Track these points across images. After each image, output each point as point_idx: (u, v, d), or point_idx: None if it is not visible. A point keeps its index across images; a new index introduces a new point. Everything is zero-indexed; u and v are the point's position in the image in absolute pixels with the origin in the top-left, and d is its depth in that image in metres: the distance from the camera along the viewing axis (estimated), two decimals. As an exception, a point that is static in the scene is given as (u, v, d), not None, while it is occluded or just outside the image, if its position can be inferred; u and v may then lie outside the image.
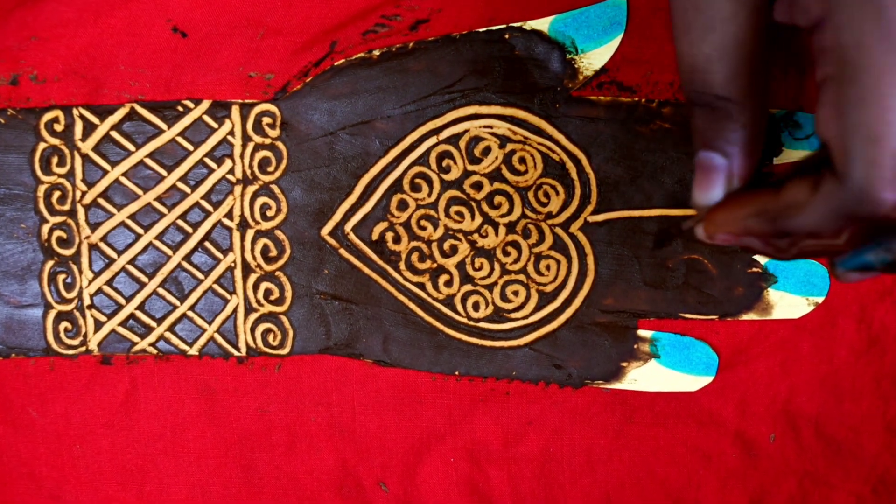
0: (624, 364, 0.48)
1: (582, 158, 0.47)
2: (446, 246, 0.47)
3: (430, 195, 0.47)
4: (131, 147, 0.47)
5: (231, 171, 0.47)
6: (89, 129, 0.47)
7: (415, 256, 0.47)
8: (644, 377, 0.48)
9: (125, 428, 0.49)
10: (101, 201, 0.47)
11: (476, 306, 0.47)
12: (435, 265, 0.47)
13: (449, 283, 0.47)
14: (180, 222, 0.47)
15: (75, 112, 0.47)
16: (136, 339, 0.48)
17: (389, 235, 0.47)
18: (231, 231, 0.47)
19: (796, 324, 0.47)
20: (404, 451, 0.49)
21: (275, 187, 0.47)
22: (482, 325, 0.48)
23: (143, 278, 0.48)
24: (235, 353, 0.48)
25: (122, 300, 0.48)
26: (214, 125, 0.47)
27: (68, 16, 0.46)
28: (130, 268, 0.48)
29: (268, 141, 0.47)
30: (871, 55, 0.29)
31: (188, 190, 0.47)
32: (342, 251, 0.47)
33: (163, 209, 0.47)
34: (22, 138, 0.47)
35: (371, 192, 0.47)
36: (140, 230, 0.47)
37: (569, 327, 0.47)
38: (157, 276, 0.48)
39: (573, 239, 0.47)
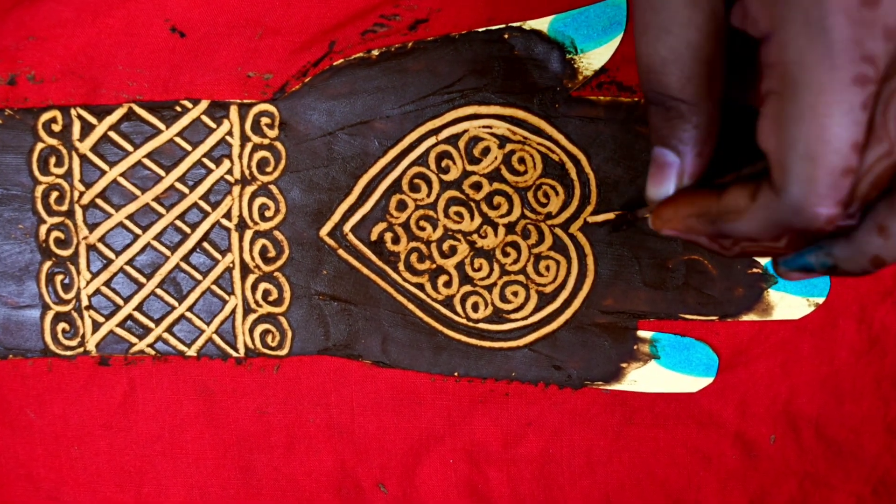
0: (624, 365, 0.47)
1: (581, 158, 0.47)
2: (445, 246, 0.47)
3: (429, 195, 0.47)
4: (129, 147, 0.47)
5: (229, 172, 0.47)
6: (87, 129, 0.47)
7: (414, 257, 0.47)
8: (644, 378, 0.47)
9: (123, 429, 0.48)
10: (99, 202, 0.47)
11: (475, 307, 0.47)
12: (434, 266, 0.47)
13: (448, 284, 0.47)
14: (178, 223, 0.47)
15: (73, 112, 0.47)
16: (134, 339, 0.48)
17: (388, 236, 0.47)
18: (229, 231, 0.47)
19: (797, 325, 0.47)
20: (403, 452, 0.49)
21: (273, 188, 0.47)
22: (481, 325, 0.47)
23: (142, 279, 0.48)
24: (234, 353, 0.48)
25: (120, 301, 0.48)
26: (213, 125, 0.47)
27: (66, 15, 0.46)
28: (128, 268, 0.47)
29: (266, 141, 0.47)
30: (813, 74, 0.29)
31: (186, 190, 0.47)
32: (341, 252, 0.47)
33: (161, 210, 0.47)
34: (20, 139, 0.47)
35: (370, 193, 0.47)
36: (138, 231, 0.47)
37: (568, 328, 0.47)
38: (156, 276, 0.48)
39: (573, 239, 0.47)
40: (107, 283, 0.47)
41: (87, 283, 0.47)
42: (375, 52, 0.46)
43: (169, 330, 0.48)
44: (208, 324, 0.48)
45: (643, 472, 0.49)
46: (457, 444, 0.48)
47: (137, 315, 0.48)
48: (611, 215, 0.47)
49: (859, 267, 0.33)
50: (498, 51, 0.46)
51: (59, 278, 0.47)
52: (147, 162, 0.47)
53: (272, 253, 0.47)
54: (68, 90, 0.47)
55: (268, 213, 0.47)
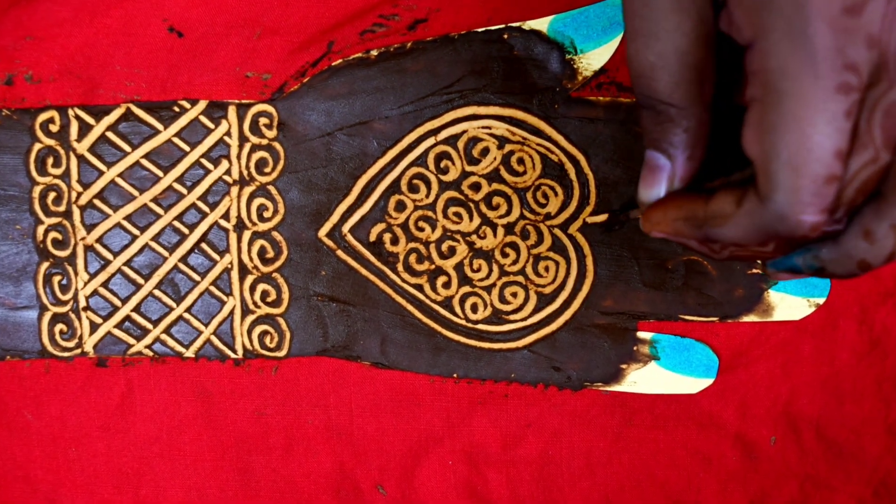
0: (623, 366, 0.47)
1: (581, 159, 0.47)
2: (444, 247, 0.47)
3: (428, 196, 0.47)
4: (127, 148, 0.47)
5: (228, 172, 0.47)
6: (85, 129, 0.47)
7: (413, 258, 0.47)
8: (644, 379, 0.47)
9: (121, 431, 0.48)
10: (97, 202, 0.47)
11: (474, 308, 0.47)
12: (433, 266, 0.47)
13: (447, 285, 0.47)
14: (176, 223, 0.47)
15: (71, 112, 0.47)
16: (131, 341, 0.48)
17: (387, 237, 0.47)
18: (228, 232, 0.47)
19: (797, 325, 0.47)
20: (402, 453, 0.49)
21: (272, 188, 0.47)
22: (480, 326, 0.47)
23: (139, 280, 0.47)
24: (232, 355, 0.48)
25: (117, 302, 0.47)
26: (211, 126, 0.47)
27: (64, 15, 0.46)
28: (126, 269, 0.47)
29: (265, 142, 0.47)
30: (795, 82, 0.29)
31: (184, 191, 0.47)
32: (339, 252, 0.47)
33: (159, 210, 0.47)
34: (17, 139, 0.47)
35: (369, 193, 0.47)
36: (136, 231, 0.47)
37: (568, 329, 0.47)
38: (153, 277, 0.47)
39: (572, 240, 0.47)
40: (104, 284, 0.47)
41: (85, 283, 0.47)
42: (374, 53, 0.46)
43: (167, 331, 0.48)
44: (206, 325, 0.48)
45: (643, 473, 0.49)
46: (456, 445, 0.48)
47: (135, 316, 0.48)
48: (607, 216, 0.47)
49: (846, 270, 0.34)
50: (497, 51, 0.46)
51: (56, 279, 0.47)
52: (145, 162, 0.47)
53: (271, 254, 0.47)
54: (66, 90, 0.47)
55: (266, 214, 0.47)
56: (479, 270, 0.47)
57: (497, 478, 0.49)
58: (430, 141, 0.47)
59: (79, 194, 0.47)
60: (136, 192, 0.47)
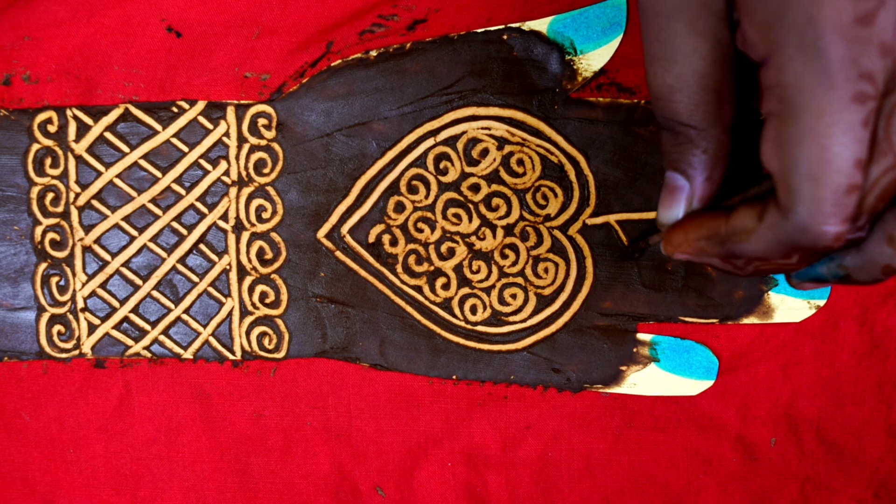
0: (623, 368, 0.47)
1: (581, 160, 0.46)
2: (443, 248, 0.47)
3: (427, 197, 0.47)
4: (125, 148, 0.47)
5: (226, 173, 0.47)
6: (83, 130, 0.47)
7: (412, 259, 0.47)
8: (644, 381, 0.47)
9: (119, 432, 0.48)
10: (95, 203, 0.47)
11: (474, 309, 0.47)
12: (432, 268, 0.47)
13: (446, 286, 0.47)
14: (175, 224, 0.47)
15: (69, 113, 0.46)
16: (130, 342, 0.48)
17: (386, 238, 0.47)
18: (226, 233, 0.47)
19: (797, 327, 0.47)
20: (401, 455, 0.48)
21: (270, 189, 0.47)
22: (480, 328, 0.47)
23: (138, 281, 0.47)
24: (230, 356, 0.48)
25: (115, 303, 0.47)
26: (209, 126, 0.47)
27: (62, 15, 0.46)
28: (124, 270, 0.47)
29: (263, 142, 0.47)
30: (811, 96, 0.29)
31: (183, 192, 0.47)
32: (338, 254, 0.47)
33: (157, 211, 0.47)
34: (15, 139, 0.47)
35: (368, 194, 0.47)
36: (134, 232, 0.47)
37: (567, 331, 0.47)
38: (152, 278, 0.47)
39: (571, 241, 0.47)
40: (102, 285, 0.47)
41: (83, 284, 0.47)
42: (373, 53, 0.46)
43: (165, 332, 0.48)
44: (205, 326, 0.48)
45: (643, 475, 0.48)
46: (455, 447, 0.48)
47: (133, 317, 0.47)
48: (609, 218, 0.47)
49: (871, 276, 0.34)
50: (497, 52, 0.46)
51: (54, 280, 0.47)
52: (143, 163, 0.47)
53: (269, 255, 0.47)
54: (64, 90, 0.47)
55: (265, 215, 0.47)
56: (478, 272, 0.47)
57: (496, 480, 0.49)
58: (430, 142, 0.47)
59: (77, 195, 0.47)
60: (134, 193, 0.47)
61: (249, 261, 0.47)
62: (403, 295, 0.47)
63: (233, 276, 0.47)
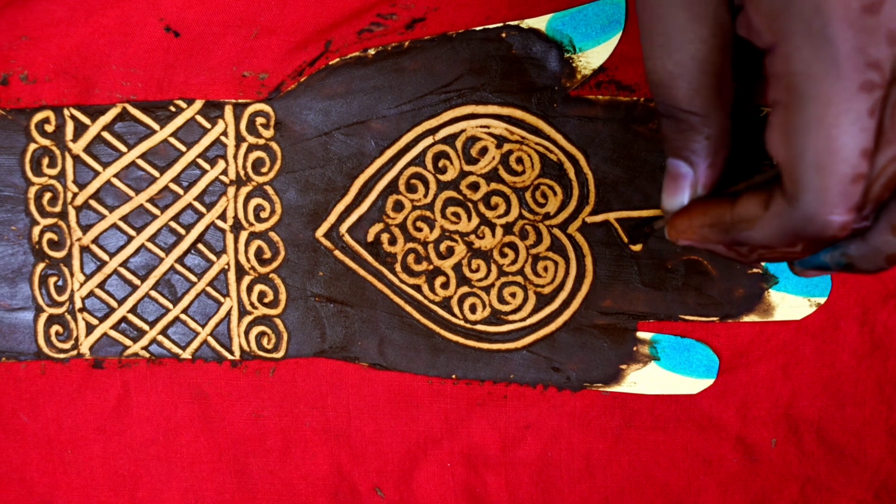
0: (623, 367, 0.47)
1: (580, 158, 0.46)
2: (443, 247, 0.47)
3: (426, 196, 0.47)
4: (123, 148, 0.47)
5: (224, 172, 0.47)
6: (80, 129, 0.46)
7: (411, 258, 0.47)
8: (644, 380, 0.47)
9: (117, 433, 0.48)
10: (93, 203, 0.47)
11: (473, 308, 0.47)
12: (431, 267, 0.47)
13: (445, 285, 0.47)
14: (173, 224, 0.47)
15: (66, 112, 0.46)
16: (128, 342, 0.47)
17: (385, 237, 0.47)
18: (224, 233, 0.47)
19: (798, 326, 0.47)
20: (400, 455, 0.48)
21: (269, 188, 0.47)
22: (479, 327, 0.47)
23: (136, 281, 0.47)
24: (229, 356, 0.48)
25: (114, 303, 0.47)
26: (207, 125, 0.47)
27: (59, 15, 0.46)
28: (122, 270, 0.47)
29: (261, 141, 0.47)
30: (818, 84, 0.30)
31: (181, 191, 0.47)
32: (337, 253, 0.47)
33: (155, 211, 0.47)
34: (12, 139, 0.47)
35: (366, 193, 0.47)
36: (132, 232, 0.47)
37: (567, 329, 0.47)
38: (150, 278, 0.47)
39: (571, 240, 0.47)
40: (100, 286, 0.47)
41: (81, 285, 0.47)
42: (372, 52, 0.46)
43: (163, 332, 0.47)
44: (203, 326, 0.47)
45: (643, 475, 0.48)
46: (454, 447, 0.48)
47: (131, 317, 0.47)
48: (609, 216, 0.47)
49: (875, 265, 0.34)
50: (495, 50, 0.46)
51: (52, 280, 0.47)
52: (141, 163, 0.47)
53: (268, 254, 0.47)
54: (61, 90, 0.47)
55: (263, 214, 0.47)
56: (477, 271, 0.47)
57: (496, 480, 0.48)
58: (428, 140, 0.46)
59: (74, 195, 0.47)
60: (132, 193, 0.47)
61: (248, 260, 0.47)
62: (402, 294, 0.47)
63: (231, 275, 0.47)
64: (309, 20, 0.46)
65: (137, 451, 0.48)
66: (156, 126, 0.47)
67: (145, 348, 0.48)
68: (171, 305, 0.47)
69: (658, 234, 0.44)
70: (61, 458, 0.48)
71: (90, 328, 0.47)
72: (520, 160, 0.46)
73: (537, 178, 0.47)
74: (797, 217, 0.32)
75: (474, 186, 0.47)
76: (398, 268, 0.47)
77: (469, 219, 0.47)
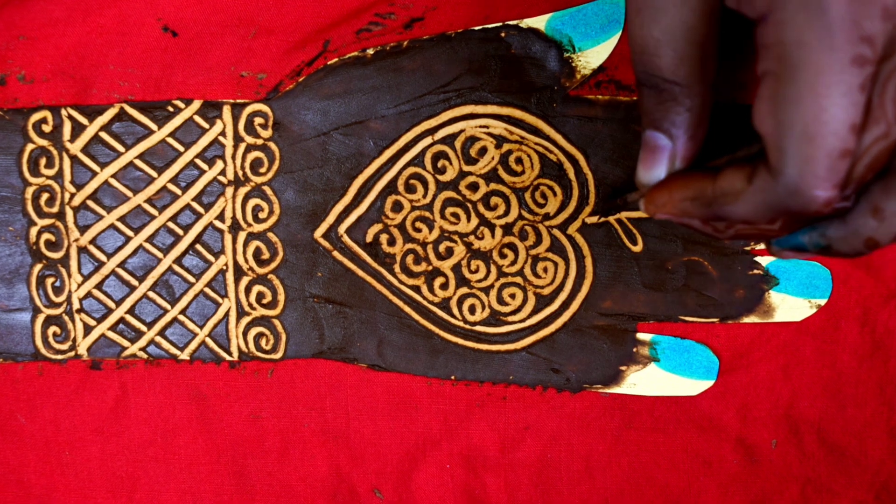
0: (623, 368, 0.47)
1: (580, 158, 0.46)
2: (442, 248, 0.47)
3: (425, 196, 0.47)
4: (121, 148, 0.47)
5: (222, 173, 0.47)
6: (78, 129, 0.46)
7: (410, 259, 0.47)
8: (643, 381, 0.47)
9: (115, 434, 0.48)
10: (90, 203, 0.47)
11: (472, 309, 0.47)
12: (430, 268, 0.47)
13: (444, 286, 0.47)
14: (171, 224, 0.47)
15: (64, 112, 0.46)
16: (126, 343, 0.47)
17: (384, 237, 0.47)
18: (223, 233, 0.47)
19: (798, 327, 0.47)
20: (399, 457, 0.48)
21: (267, 189, 0.47)
22: (478, 328, 0.47)
23: (134, 282, 0.47)
24: (227, 357, 0.48)
25: (111, 304, 0.47)
26: (205, 126, 0.46)
27: (57, 15, 0.46)
28: (120, 271, 0.47)
29: (260, 141, 0.47)
30: (811, 54, 0.29)
31: (179, 192, 0.47)
32: (336, 253, 0.47)
33: (153, 211, 0.47)
34: (9, 139, 0.46)
35: (365, 194, 0.47)
36: (130, 233, 0.47)
37: (567, 330, 0.47)
38: (148, 279, 0.47)
39: (571, 241, 0.47)
40: (98, 286, 0.47)
41: (79, 285, 0.47)
42: (370, 51, 0.46)
43: (161, 333, 0.47)
44: (201, 327, 0.47)
45: (643, 476, 0.48)
46: (454, 448, 0.48)
47: (129, 318, 0.47)
48: (610, 217, 0.46)
49: (853, 248, 0.34)
50: (494, 49, 0.46)
51: (49, 281, 0.47)
52: (139, 163, 0.47)
53: (266, 255, 0.47)
54: (59, 90, 0.46)
55: (261, 215, 0.47)
56: (476, 271, 0.47)
57: (495, 482, 0.48)
58: (427, 140, 0.46)
59: (72, 195, 0.47)
60: (129, 193, 0.47)
61: (246, 261, 0.47)
62: (401, 295, 0.47)
63: (229, 276, 0.47)
64: (307, 20, 0.46)
65: (135, 453, 0.48)
66: (154, 126, 0.46)
67: (143, 349, 0.47)
68: (169, 306, 0.47)
69: (631, 206, 0.43)
70: (59, 459, 0.48)
71: (88, 329, 0.47)
72: (519, 160, 0.46)
73: (537, 178, 0.46)
74: (782, 191, 0.31)
75: (474, 187, 0.46)
76: (397, 268, 0.47)
77: (468, 219, 0.47)
